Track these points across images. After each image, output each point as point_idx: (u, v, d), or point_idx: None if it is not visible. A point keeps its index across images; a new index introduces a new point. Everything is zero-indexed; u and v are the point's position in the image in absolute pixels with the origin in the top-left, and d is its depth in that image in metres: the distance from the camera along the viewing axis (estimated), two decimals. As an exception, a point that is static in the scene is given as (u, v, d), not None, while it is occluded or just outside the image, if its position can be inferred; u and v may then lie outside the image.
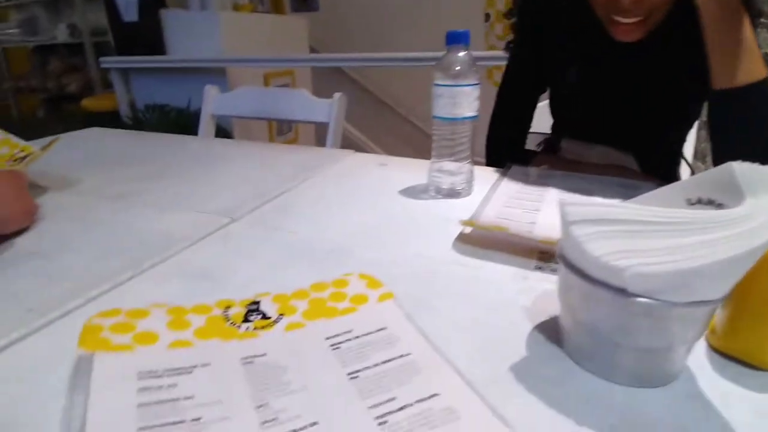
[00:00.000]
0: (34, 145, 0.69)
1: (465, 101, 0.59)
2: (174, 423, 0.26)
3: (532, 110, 0.85)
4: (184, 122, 2.03)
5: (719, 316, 0.34)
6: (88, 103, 2.83)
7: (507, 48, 0.84)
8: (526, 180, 0.66)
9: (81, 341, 0.31)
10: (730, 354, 0.33)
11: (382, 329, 0.35)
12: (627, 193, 0.58)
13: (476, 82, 0.59)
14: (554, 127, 0.90)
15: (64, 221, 0.58)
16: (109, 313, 0.34)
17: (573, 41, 0.74)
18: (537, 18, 0.77)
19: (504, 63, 0.85)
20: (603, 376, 0.31)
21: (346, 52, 2.52)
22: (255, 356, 0.32)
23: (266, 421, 0.27)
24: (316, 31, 2.82)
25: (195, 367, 0.30)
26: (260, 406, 0.28)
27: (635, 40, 0.64)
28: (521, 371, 0.32)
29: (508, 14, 0.83)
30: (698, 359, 0.33)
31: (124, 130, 1.17)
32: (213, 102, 1.23)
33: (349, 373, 0.31)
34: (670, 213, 0.30)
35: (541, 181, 0.65)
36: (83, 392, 0.28)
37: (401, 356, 0.32)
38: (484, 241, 0.50)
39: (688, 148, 0.88)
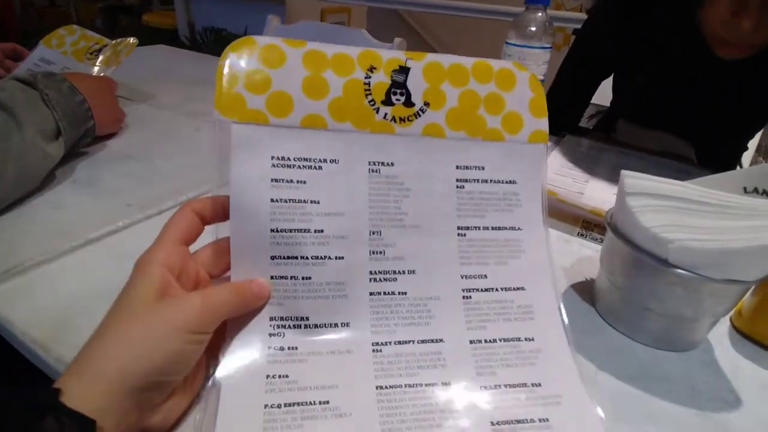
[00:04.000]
0: (106, 39, 0.74)
1: (534, 63, 0.59)
2: (299, 231, 0.28)
3: (595, 89, 0.83)
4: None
5: (748, 300, 0.36)
6: (148, 18, 2.85)
7: (589, 12, 0.81)
8: (579, 151, 0.67)
9: (218, 97, 0.29)
10: (750, 336, 0.36)
11: (511, 182, 0.33)
12: (680, 177, 0.58)
13: (548, 46, 0.59)
14: (613, 103, 0.89)
15: (149, 131, 0.63)
16: (244, 46, 0.30)
17: (659, 29, 0.72)
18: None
19: (570, 25, 0.82)
20: (629, 334, 0.35)
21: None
22: (383, 163, 0.31)
23: (375, 252, 0.29)
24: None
25: (324, 161, 0.30)
26: (374, 233, 0.30)
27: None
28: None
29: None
30: (720, 335, 0.37)
31: (189, 51, 1.21)
32: (274, 33, 1.25)
33: (460, 228, 0.31)
34: (723, 197, 0.32)
35: (594, 155, 0.66)
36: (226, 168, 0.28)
37: (512, 228, 0.32)
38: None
39: (751, 142, 0.86)
